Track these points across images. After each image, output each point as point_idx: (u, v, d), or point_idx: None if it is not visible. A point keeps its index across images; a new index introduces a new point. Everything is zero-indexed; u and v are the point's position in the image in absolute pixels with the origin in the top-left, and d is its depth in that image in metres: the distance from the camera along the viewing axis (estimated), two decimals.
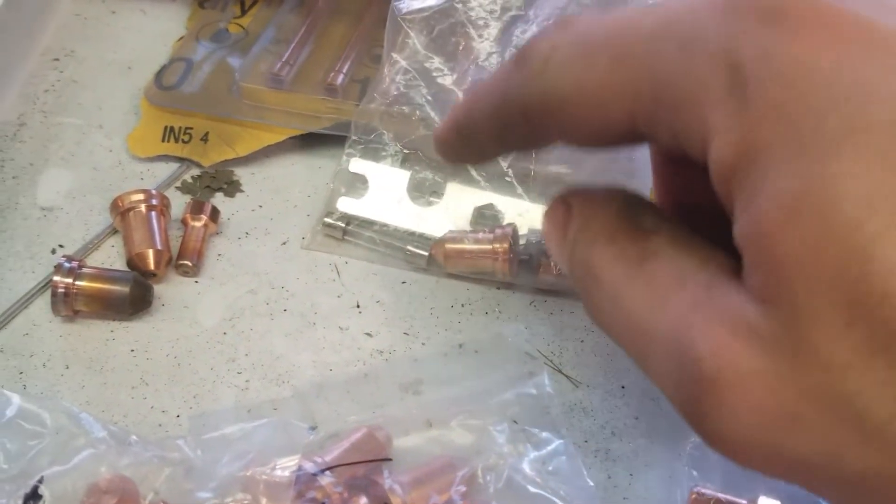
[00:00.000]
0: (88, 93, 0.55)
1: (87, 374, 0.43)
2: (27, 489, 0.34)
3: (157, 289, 0.46)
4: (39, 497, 0.34)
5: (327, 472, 0.38)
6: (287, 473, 0.37)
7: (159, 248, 0.46)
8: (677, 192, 0.32)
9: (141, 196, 0.47)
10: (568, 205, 0.30)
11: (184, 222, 0.47)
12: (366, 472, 0.39)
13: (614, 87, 0.25)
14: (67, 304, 0.44)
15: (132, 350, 0.44)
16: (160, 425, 0.41)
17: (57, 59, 0.57)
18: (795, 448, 0.23)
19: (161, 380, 0.43)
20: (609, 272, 0.27)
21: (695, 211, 0.30)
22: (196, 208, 0.47)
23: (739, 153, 0.23)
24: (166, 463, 0.38)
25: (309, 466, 0.38)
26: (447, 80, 0.49)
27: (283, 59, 0.53)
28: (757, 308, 0.23)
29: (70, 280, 0.43)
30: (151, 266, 0.45)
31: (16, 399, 0.40)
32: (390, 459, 0.39)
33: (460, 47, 0.48)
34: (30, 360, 0.43)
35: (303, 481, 0.37)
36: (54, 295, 0.43)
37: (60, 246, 0.48)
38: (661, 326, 0.25)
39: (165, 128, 0.52)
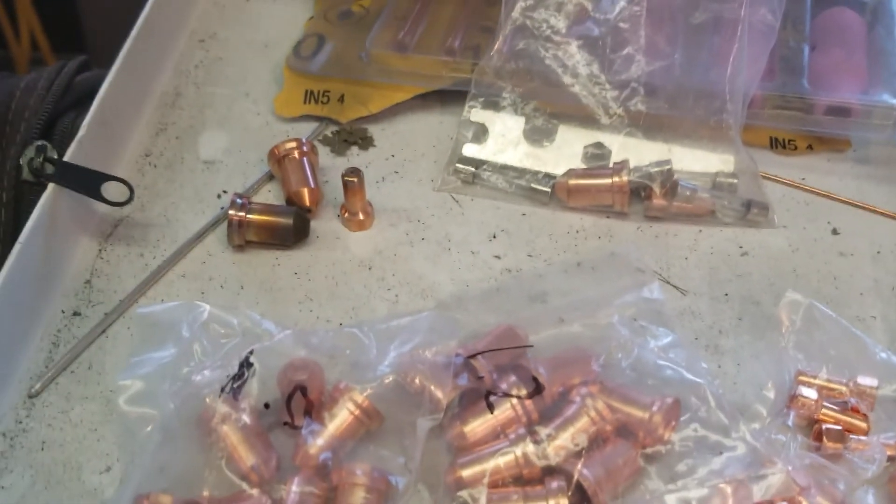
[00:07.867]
0: (233, 67, 0.63)
1: (259, 293, 0.50)
2: (242, 358, 0.41)
3: (312, 224, 0.53)
4: (251, 365, 0.41)
5: (479, 357, 0.44)
6: (446, 357, 0.44)
7: (313, 186, 0.53)
8: None
9: (294, 144, 0.54)
10: None
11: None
12: (511, 358, 0.45)
13: None
14: (240, 234, 0.51)
15: (295, 273, 0.51)
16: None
17: (202, 41, 0.65)
18: None
19: (323, 296, 0.50)
20: None
21: None
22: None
23: None
24: (346, 347, 0.44)
25: (464, 351, 0.44)
26: (560, 35, 0.56)
27: (405, 30, 0.60)
28: None
29: (242, 214, 0.50)
30: (307, 202, 0.52)
31: (206, 307, 0.47)
32: (532, 346, 0.45)
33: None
34: (209, 283, 0.50)
35: (460, 363, 0.44)
36: (230, 226, 0.50)
37: (224, 192, 0.55)
38: None
39: (306, 91, 0.59)
